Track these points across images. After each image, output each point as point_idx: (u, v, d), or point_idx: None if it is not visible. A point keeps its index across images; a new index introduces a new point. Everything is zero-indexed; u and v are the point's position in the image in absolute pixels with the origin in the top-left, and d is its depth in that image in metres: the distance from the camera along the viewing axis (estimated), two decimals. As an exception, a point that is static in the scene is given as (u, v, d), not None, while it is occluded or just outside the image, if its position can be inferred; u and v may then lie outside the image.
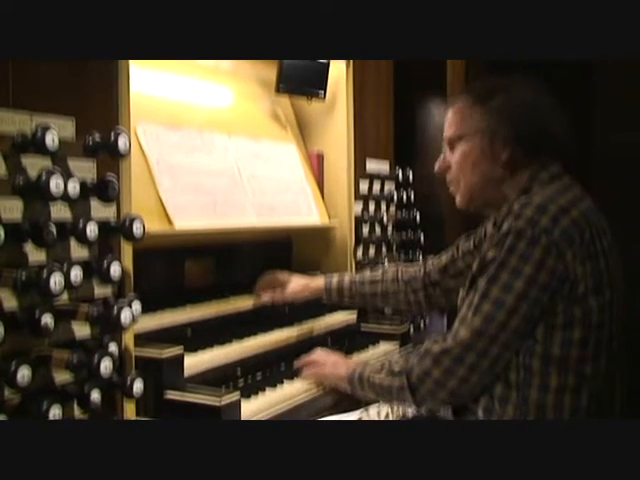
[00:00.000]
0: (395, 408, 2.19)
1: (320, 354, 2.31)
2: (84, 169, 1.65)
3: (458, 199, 2.07)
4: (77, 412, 1.60)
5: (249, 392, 2.06)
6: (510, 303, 1.75)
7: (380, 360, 2.33)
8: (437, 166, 2.10)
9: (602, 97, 3.80)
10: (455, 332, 1.84)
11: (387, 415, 2.19)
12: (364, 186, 3.14)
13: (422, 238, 3.46)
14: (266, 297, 2.57)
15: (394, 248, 3.31)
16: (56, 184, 1.47)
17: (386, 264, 3.05)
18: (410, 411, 2.16)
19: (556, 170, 1.93)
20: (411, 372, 1.90)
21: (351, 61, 3.03)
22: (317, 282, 2.61)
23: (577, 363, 1.77)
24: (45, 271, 1.45)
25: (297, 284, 2.60)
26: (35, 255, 1.53)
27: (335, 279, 2.60)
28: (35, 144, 1.49)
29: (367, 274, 2.59)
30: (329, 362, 2.25)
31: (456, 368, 1.82)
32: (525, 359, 1.80)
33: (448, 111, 2.07)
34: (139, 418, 1.80)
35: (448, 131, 2.05)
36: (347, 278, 2.59)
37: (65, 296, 1.59)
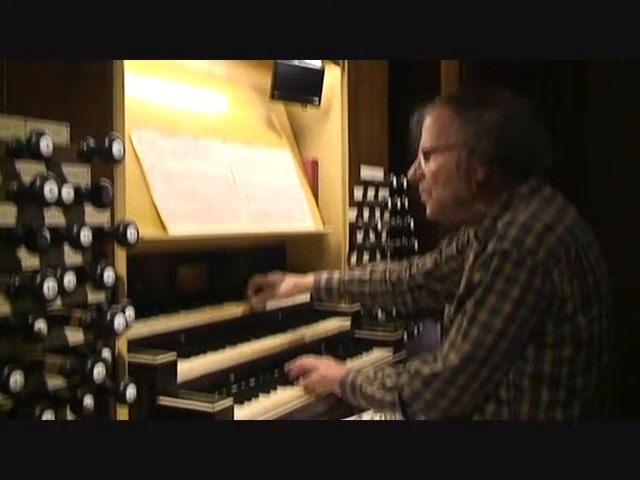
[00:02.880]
0: (389, 416, 2.19)
1: (308, 360, 2.31)
2: (78, 175, 1.65)
3: (428, 210, 2.04)
4: (70, 417, 1.60)
5: (242, 398, 2.06)
6: (498, 326, 1.74)
7: (374, 366, 2.33)
8: (410, 174, 2.06)
9: (595, 96, 3.82)
10: (445, 356, 1.82)
11: (380, 421, 2.19)
12: (358, 193, 3.14)
13: (416, 245, 3.46)
14: (257, 300, 2.57)
15: (388, 255, 3.32)
16: (50, 189, 1.47)
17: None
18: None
19: (535, 183, 1.90)
20: (402, 391, 1.90)
21: (346, 68, 3.04)
22: (307, 280, 2.62)
23: (568, 378, 1.77)
24: (38, 276, 1.45)
25: (288, 283, 2.60)
26: (29, 260, 1.53)
27: (324, 277, 2.60)
28: (29, 149, 1.49)
29: (356, 273, 2.59)
30: (321, 366, 2.24)
31: (447, 390, 1.81)
32: (515, 378, 1.79)
33: (427, 117, 2.01)
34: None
35: (425, 141, 1.99)
36: (336, 277, 2.60)
37: (58, 302, 1.58)
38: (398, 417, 2.16)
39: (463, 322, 1.80)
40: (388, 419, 2.18)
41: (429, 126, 1.99)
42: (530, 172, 1.91)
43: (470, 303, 1.79)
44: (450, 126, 1.93)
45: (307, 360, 2.31)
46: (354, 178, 3.11)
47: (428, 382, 1.84)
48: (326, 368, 2.23)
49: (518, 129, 1.90)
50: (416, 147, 2.05)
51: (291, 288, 2.60)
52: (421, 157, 2.02)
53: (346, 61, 3.03)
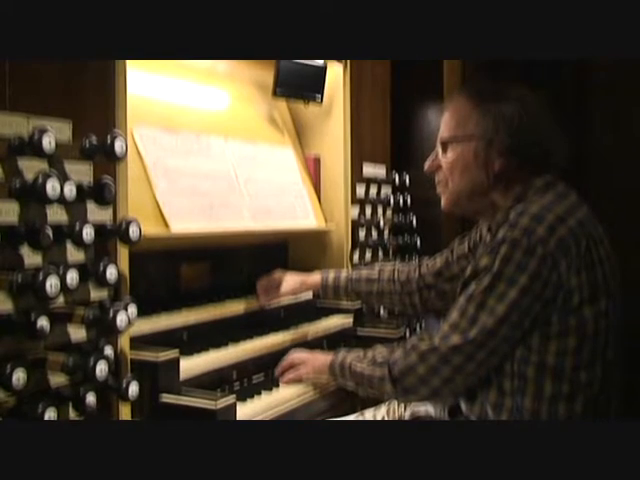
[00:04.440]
0: (391, 412, 2.19)
1: (297, 355, 2.29)
2: (81, 172, 1.65)
3: (443, 201, 2.06)
4: (72, 415, 1.60)
5: (245, 395, 2.06)
6: (501, 312, 1.75)
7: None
8: (427, 165, 2.08)
9: (597, 97, 3.82)
10: (445, 335, 1.83)
11: (383, 419, 2.19)
12: (361, 190, 3.14)
13: (419, 242, 3.46)
14: (264, 298, 2.57)
15: (390, 252, 3.32)
16: (52, 187, 1.47)
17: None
18: (407, 415, 2.16)
19: (550, 177, 1.92)
20: (394, 365, 1.90)
21: (348, 65, 3.03)
22: (313, 278, 2.62)
23: (572, 371, 1.77)
24: (41, 274, 1.45)
25: (293, 281, 2.60)
26: (31, 258, 1.53)
27: (331, 275, 2.60)
28: (32, 147, 1.49)
29: (364, 272, 2.59)
30: (308, 360, 2.24)
31: (441, 367, 1.82)
32: (520, 367, 1.79)
33: (446, 110, 2.04)
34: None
35: (443, 132, 2.02)
36: (343, 275, 2.60)
37: (61, 299, 1.59)
38: (393, 414, 2.17)
39: (469, 306, 1.80)
40: (389, 419, 2.18)
41: (447, 117, 2.02)
42: (545, 166, 1.93)
43: (477, 288, 1.79)
44: (468, 117, 1.96)
45: (294, 355, 2.29)
46: (356, 175, 3.11)
47: (424, 356, 1.84)
48: (314, 358, 2.22)
49: (535, 123, 1.92)
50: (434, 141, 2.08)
51: (298, 286, 2.60)
52: (439, 148, 2.04)
53: (348, 59, 3.03)
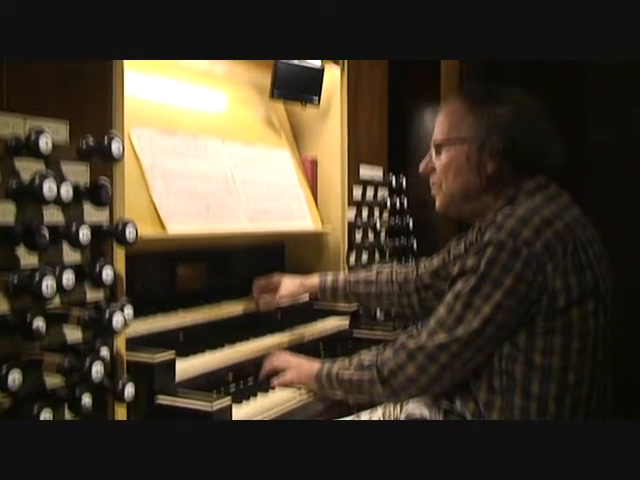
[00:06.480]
0: (387, 414, 2.19)
1: (281, 359, 2.28)
2: (77, 173, 1.65)
3: (437, 203, 2.07)
4: (68, 416, 1.60)
5: (241, 397, 2.06)
6: (486, 312, 1.77)
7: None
8: (421, 167, 2.10)
9: (596, 97, 3.83)
10: (432, 332, 1.85)
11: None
12: (357, 192, 3.14)
13: (415, 244, 3.46)
14: (264, 302, 2.57)
15: (387, 254, 3.32)
16: (49, 188, 1.47)
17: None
18: (402, 417, 2.16)
19: (542, 179, 1.93)
20: (383, 365, 1.92)
21: (346, 67, 3.03)
22: (312, 281, 2.62)
23: (559, 372, 1.77)
24: (37, 275, 1.45)
25: (292, 284, 2.60)
26: (27, 259, 1.53)
27: (330, 278, 2.60)
28: (29, 147, 1.48)
29: (362, 274, 2.59)
30: (293, 365, 2.23)
31: (429, 366, 1.84)
32: (508, 366, 1.81)
33: (440, 112, 2.05)
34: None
35: (437, 134, 2.03)
36: (341, 277, 2.60)
37: (57, 300, 1.58)
38: (389, 416, 2.17)
39: (456, 304, 1.82)
40: (386, 419, 2.18)
41: (442, 120, 2.03)
42: (539, 169, 1.94)
43: (464, 288, 1.81)
44: (462, 120, 1.97)
45: (279, 359, 2.28)
46: (353, 177, 3.11)
47: (413, 355, 1.86)
48: (298, 365, 2.22)
49: (529, 126, 1.93)
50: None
51: (296, 289, 2.60)
52: (433, 150, 2.05)
53: (346, 61, 3.03)
